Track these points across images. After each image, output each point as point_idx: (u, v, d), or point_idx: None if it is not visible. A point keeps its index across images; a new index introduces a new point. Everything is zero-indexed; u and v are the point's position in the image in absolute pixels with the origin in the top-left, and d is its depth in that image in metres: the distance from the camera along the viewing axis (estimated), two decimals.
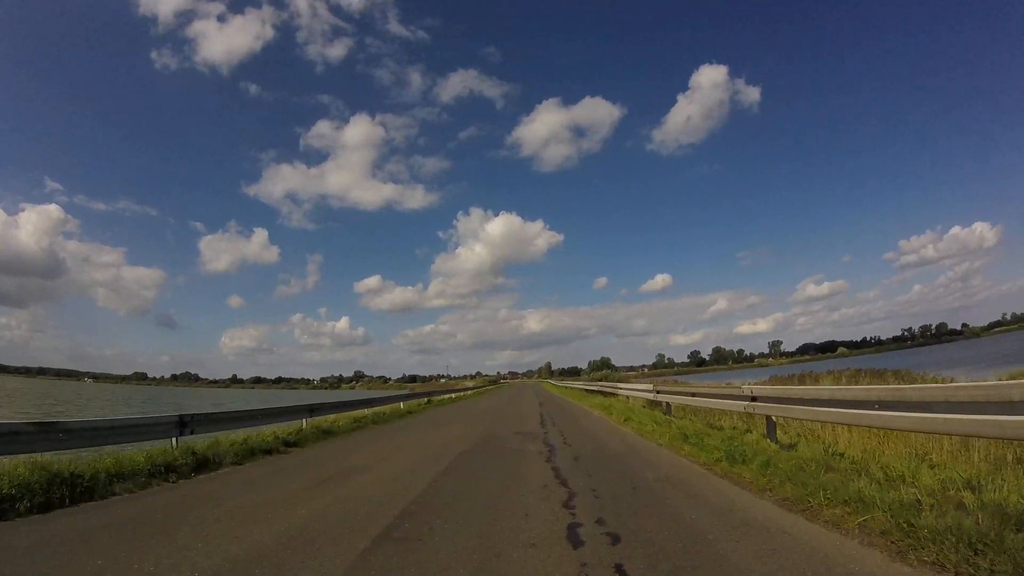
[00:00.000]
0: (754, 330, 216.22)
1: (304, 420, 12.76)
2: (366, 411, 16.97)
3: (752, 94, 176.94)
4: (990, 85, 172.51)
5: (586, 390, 29.95)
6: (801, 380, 19.37)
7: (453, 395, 33.39)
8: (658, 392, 13.35)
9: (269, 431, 10.71)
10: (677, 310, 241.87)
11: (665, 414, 11.75)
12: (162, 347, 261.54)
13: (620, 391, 19.52)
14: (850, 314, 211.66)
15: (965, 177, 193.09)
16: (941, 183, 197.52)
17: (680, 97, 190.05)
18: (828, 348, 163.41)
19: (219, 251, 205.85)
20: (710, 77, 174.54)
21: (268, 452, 8.92)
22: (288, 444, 9.83)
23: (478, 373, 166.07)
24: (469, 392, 41.46)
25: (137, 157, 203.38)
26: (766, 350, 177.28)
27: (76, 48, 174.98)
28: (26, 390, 59.61)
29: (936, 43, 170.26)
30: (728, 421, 9.81)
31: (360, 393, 77.11)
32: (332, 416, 14.61)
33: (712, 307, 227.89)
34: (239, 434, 9.79)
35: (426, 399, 23.96)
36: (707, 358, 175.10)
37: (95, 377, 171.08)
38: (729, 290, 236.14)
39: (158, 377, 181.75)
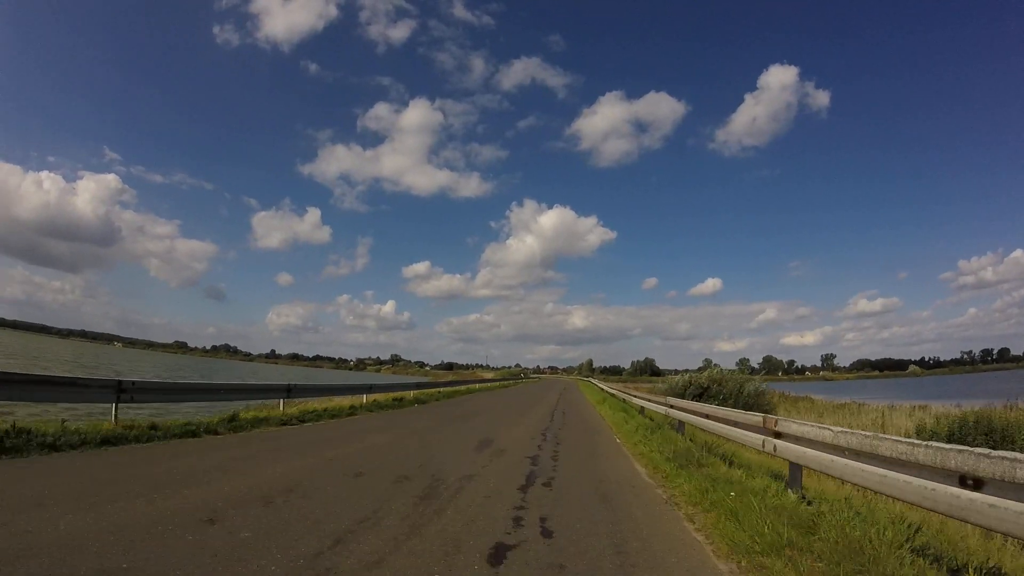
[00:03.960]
0: (801, 342, 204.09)
1: (281, 401, 11.85)
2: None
3: (822, 98, 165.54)
4: None
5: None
6: None
7: (410, 392, 20.21)
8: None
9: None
10: (723, 316, 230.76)
11: None
12: (209, 319, 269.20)
13: None
14: (901, 332, 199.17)
15: None
16: (1007, 205, 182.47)
17: (748, 97, 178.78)
18: (888, 366, 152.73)
19: (271, 228, 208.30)
20: (780, 78, 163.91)
21: None
22: None
23: (517, 364, 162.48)
24: (458, 389, 28.19)
25: (195, 131, 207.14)
26: (815, 363, 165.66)
27: (140, 19, 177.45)
28: (29, 350, 56.92)
29: (1004, 68, 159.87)
30: None
31: (373, 377, 72.12)
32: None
33: (760, 316, 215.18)
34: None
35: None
36: (756, 367, 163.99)
37: (131, 342, 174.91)
38: (778, 300, 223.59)
39: (198, 348, 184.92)
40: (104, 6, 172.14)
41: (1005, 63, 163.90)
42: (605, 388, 36.70)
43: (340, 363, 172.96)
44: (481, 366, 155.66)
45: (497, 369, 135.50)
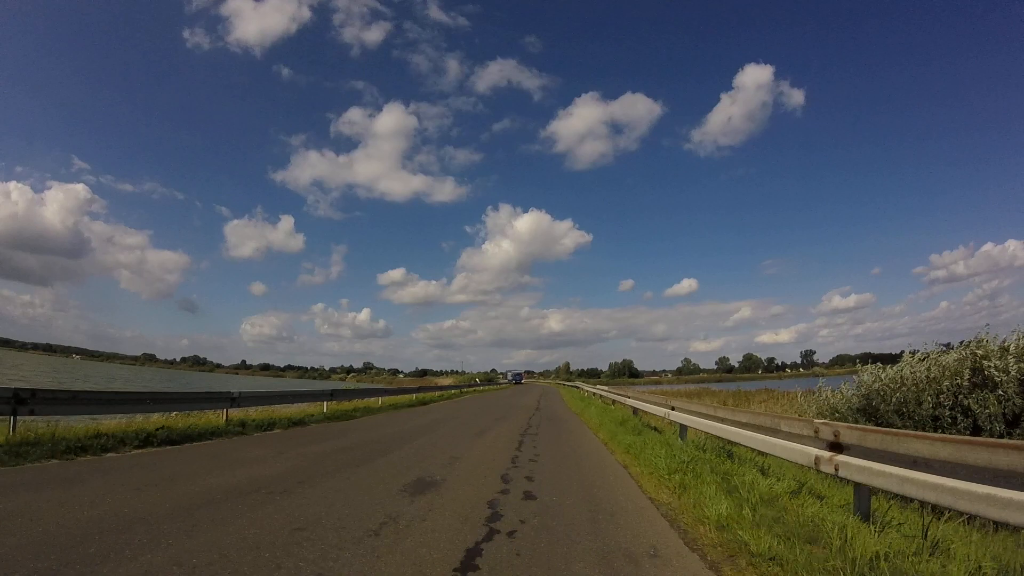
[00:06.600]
0: (776, 340, 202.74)
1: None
2: None
3: (796, 97, 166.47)
4: None
5: None
6: None
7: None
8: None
9: None
10: (699, 316, 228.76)
11: None
12: (183, 331, 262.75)
13: None
14: (874, 328, 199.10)
15: (1003, 194, 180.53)
16: (978, 199, 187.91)
17: (723, 96, 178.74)
18: (871, 360, 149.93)
19: (244, 237, 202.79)
20: (755, 77, 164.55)
21: None
22: None
23: (493, 370, 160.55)
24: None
25: (165, 138, 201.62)
26: (790, 360, 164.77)
27: (107, 24, 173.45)
28: None
29: (974, 63, 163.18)
30: None
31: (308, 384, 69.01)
32: None
33: (735, 315, 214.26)
34: None
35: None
36: (736, 365, 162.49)
37: (92, 355, 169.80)
38: (753, 298, 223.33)
39: (168, 360, 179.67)
40: (71, 11, 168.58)
41: (976, 59, 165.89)
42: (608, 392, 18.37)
43: (307, 372, 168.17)
44: (456, 372, 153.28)
45: (460, 375, 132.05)
